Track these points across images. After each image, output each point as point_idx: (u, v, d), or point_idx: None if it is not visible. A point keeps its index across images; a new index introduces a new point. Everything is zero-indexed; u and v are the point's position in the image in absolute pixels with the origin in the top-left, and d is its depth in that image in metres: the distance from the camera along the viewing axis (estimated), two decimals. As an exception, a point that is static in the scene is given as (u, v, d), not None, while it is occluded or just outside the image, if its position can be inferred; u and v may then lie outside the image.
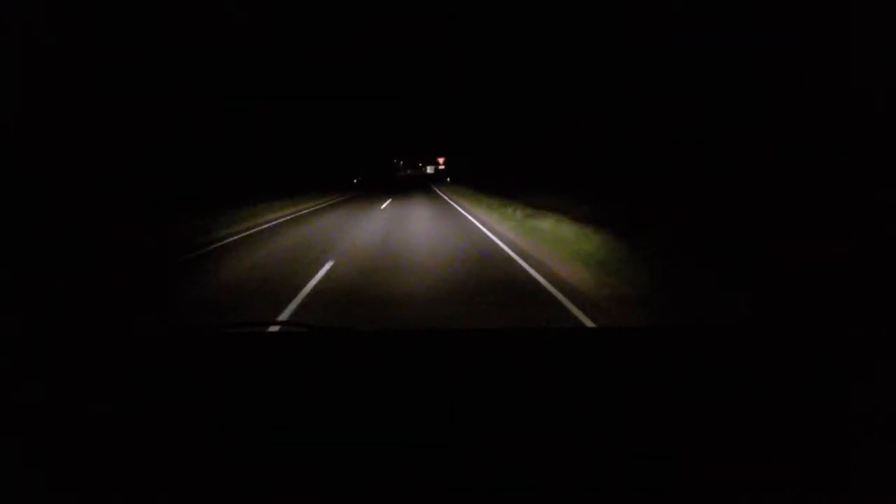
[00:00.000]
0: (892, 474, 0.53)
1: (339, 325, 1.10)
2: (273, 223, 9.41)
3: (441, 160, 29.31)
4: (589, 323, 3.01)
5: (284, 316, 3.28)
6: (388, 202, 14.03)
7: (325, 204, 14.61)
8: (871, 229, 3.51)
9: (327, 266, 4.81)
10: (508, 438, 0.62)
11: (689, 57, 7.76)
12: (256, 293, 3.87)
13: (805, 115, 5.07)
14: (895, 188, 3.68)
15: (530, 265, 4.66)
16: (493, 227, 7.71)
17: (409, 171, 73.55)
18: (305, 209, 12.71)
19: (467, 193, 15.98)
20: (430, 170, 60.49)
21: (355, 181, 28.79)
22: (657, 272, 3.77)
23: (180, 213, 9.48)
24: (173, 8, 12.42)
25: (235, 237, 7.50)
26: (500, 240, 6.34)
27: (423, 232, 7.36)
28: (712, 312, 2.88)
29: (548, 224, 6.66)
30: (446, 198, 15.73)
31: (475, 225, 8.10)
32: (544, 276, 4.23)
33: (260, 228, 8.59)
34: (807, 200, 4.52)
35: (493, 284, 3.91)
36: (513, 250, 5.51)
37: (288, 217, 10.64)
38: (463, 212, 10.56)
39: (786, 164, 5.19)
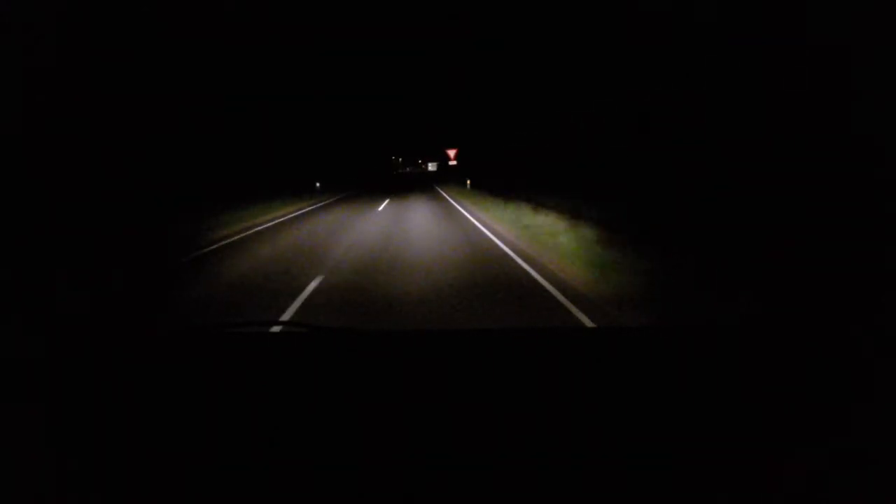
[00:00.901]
0: (892, 474, 0.53)
1: (339, 326, 1.10)
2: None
3: (452, 153, 21.27)
4: None
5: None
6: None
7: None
8: (870, 229, 3.51)
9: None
10: (509, 439, 0.62)
11: (688, 57, 7.75)
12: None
13: (804, 114, 5.06)
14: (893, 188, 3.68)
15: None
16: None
17: (408, 169, 73.22)
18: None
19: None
20: (431, 167, 56.11)
21: (318, 185, 19.42)
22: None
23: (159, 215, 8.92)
24: (173, 8, 12.42)
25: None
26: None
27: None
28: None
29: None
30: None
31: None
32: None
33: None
34: (806, 200, 4.52)
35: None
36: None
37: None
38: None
39: (785, 164, 5.19)
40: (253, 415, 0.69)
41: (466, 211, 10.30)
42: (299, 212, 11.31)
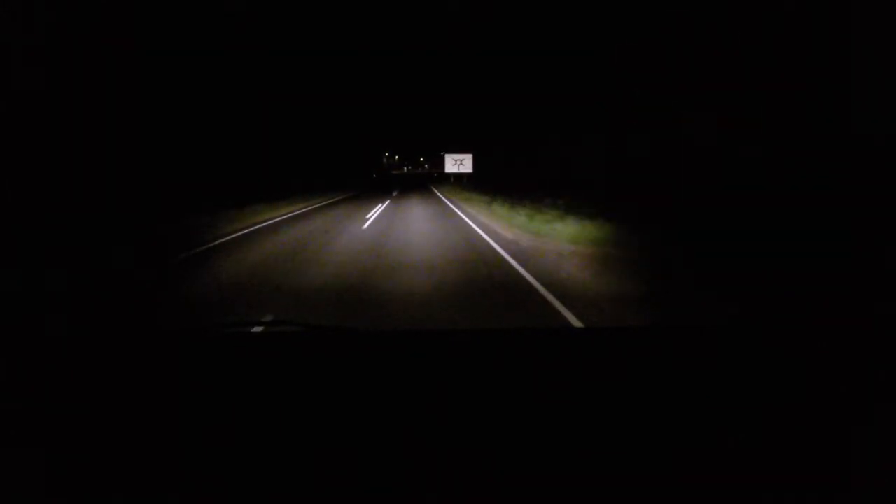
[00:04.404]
0: (891, 474, 0.53)
1: (335, 325, 1.10)
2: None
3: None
4: None
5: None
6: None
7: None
8: (868, 230, 3.53)
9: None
10: (505, 439, 0.62)
11: (688, 57, 7.78)
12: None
13: (802, 115, 5.09)
14: (892, 190, 3.71)
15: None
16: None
17: (406, 169, 71.11)
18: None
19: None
20: (452, 166, 34.12)
21: None
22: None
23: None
24: (172, 8, 12.35)
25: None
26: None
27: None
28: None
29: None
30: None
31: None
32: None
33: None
34: (805, 201, 4.54)
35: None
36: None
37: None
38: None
39: (785, 166, 5.21)
40: (250, 413, 0.69)
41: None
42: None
